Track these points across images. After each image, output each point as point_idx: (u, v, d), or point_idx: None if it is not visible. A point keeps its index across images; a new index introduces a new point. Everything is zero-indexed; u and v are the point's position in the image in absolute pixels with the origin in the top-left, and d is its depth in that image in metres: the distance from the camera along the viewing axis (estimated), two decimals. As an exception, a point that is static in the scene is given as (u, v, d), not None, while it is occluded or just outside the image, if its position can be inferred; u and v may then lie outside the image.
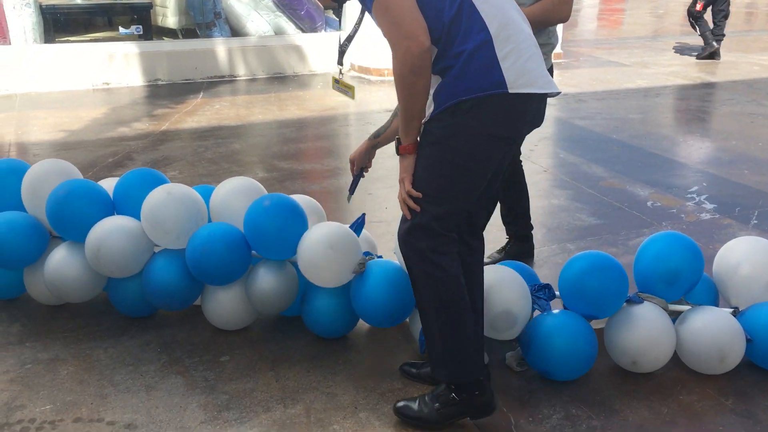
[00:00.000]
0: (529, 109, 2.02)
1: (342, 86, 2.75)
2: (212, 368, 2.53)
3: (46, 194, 2.71)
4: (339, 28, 7.91)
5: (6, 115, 5.88)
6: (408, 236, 2.07)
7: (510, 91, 1.94)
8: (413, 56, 1.89)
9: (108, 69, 6.90)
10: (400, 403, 2.26)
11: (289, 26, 7.69)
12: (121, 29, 7.55)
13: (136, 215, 2.67)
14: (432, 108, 2.01)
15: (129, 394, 2.38)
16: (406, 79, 1.92)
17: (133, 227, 2.63)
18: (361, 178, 2.64)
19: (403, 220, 2.09)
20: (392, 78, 7.08)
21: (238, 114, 6.04)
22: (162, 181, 2.78)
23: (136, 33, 7.47)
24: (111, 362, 2.56)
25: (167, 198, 2.58)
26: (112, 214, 2.74)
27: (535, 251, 3.49)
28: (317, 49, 7.69)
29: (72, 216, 2.65)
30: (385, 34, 1.95)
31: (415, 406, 2.23)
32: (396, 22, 1.90)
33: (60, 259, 2.69)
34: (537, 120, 2.11)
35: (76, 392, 2.39)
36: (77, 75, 6.80)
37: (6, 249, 2.71)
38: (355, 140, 5.51)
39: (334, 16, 8.06)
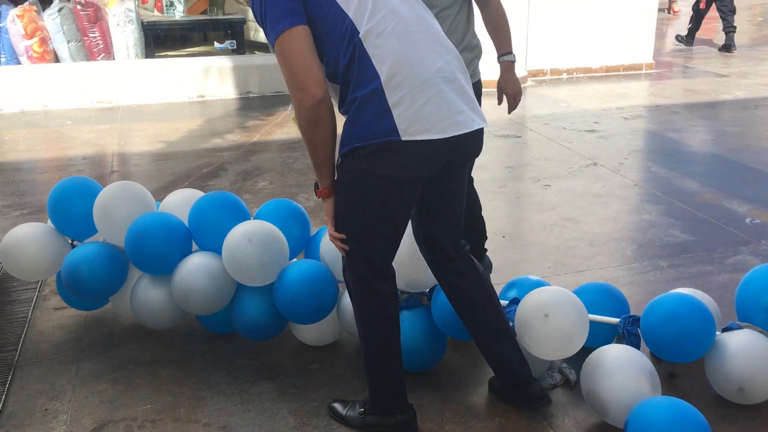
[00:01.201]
0: (437, 151, 1.96)
1: None
2: (301, 375, 2.60)
3: (118, 219, 2.69)
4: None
5: (110, 127, 6.21)
6: (344, 272, 2.20)
7: (403, 138, 1.90)
8: (306, 108, 1.90)
9: (203, 82, 7.19)
10: (333, 403, 2.39)
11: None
12: (216, 44, 7.85)
13: (214, 242, 2.61)
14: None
15: (224, 398, 2.48)
16: (303, 129, 1.95)
17: (217, 268, 2.57)
18: None
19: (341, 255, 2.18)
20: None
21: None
22: (238, 207, 2.69)
23: (230, 47, 7.75)
24: (206, 366, 2.67)
25: (248, 246, 2.48)
26: (190, 245, 2.69)
27: (627, 267, 3.42)
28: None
29: (152, 254, 2.60)
30: (285, 81, 1.96)
31: (342, 409, 2.35)
32: (290, 71, 1.90)
33: (144, 294, 2.69)
34: (462, 154, 2.06)
35: (174, 394, 2.51)
36: (175, 88, 7.11)
37: (87, 285, 2.70)
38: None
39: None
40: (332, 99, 1.98)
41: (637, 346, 2.47)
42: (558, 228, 3.92)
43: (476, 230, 3.21)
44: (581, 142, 5.51)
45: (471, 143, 2.06)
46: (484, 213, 4.07)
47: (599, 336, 2.60)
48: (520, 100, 2.95)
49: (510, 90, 2.89)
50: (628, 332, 2.49)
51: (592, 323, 2.58)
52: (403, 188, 2.01)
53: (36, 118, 6.55)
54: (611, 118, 6.24)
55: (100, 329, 2.93)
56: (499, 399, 2.44)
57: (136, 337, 2.87)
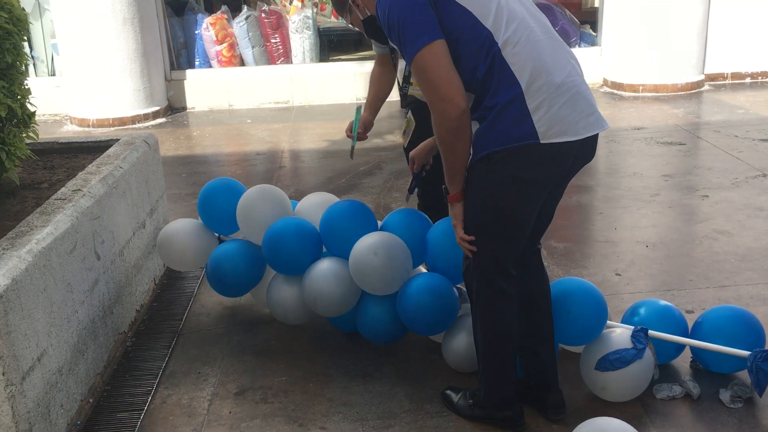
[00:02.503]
0: (569, 153, 2.07)
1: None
2: (422, 364, 2.75)
3: (258, 220, 2.92)
4: (595, 43, 7.79)
5: (283, 125, 6.73)
6: (467, 273, 2.29)
7: (542, 141, 1.99)
8: (450, 119, 1.98)
9: (371, 84, 7.54)
10: (447, 390, 2.50)
11: (542, 42, 7.75)
12: (385, 48, 8.18)
13: (343, 248, 2.74)
14: (471, 155, 2.07)
15: (348, 378, 2.70)
16: (444, 139, 2.02)
17: (345, 275, 2.70)
18: (422, 177, 2.68)
19: (465, 256, 2.24)
20: (646, 94, 6.85)
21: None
22: (367, 216, 2.80)
23: (398, 51, 8.06)
24: (337, 347, 2.91)
25: (374, 260, 2.59)
26: (321, 249, 2.85)
27: (756, 288, 3.23)
28: (569, 65, 7.66)
29: (286, 257, 2.81)
30: (423, 94, 2.04)
31: (455, 397, 2.46)
32: (432, 84, 1.98)
33: (278, 293, 2.89)
34: (583, 157, 2.16)
35: (306, 369, 2.77)
36: (344, 90, 7.54)
37: (229, 280, 3.00)
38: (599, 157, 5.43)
39: (590, 31, 7.95)
40: None
41: (765, 383, 2.36)
42: (708, 240, 3.75)
43: None
44: (753, 152, 5.17)
45: (591, 146, 2.14)
46: (631, 221, 4.01)
47: (728, 364, 2.53)
48: None
49: None
50: (757, 367, 2.37)
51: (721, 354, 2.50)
52: (536, 189, 2.12)
53: (221, 116, 7.24)
54: (793, 127, 5.78)
55: (251, 309, 3.27)
56: None
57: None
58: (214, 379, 2.75)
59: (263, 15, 7.57)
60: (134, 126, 6.87)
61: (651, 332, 2.51)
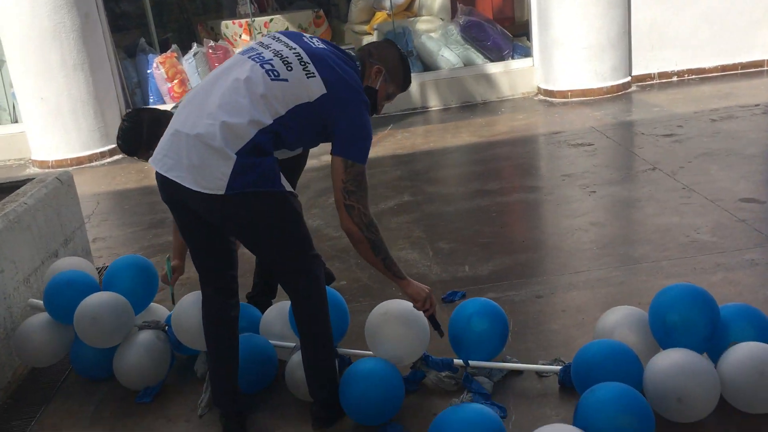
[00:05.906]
0: (159, 181, 2.44)
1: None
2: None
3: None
4: (528, 54, 8.16)
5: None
6: None
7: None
8: None
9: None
10: None
11: (478, 57, 8.13)
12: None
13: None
14: None
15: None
16: None
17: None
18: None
19: None
20: (574, 99, 7.17)
21: (413, 143, 6.63)
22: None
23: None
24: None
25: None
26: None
27: (626, 268, 3.55)
28: (505, 76, 8.04)
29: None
30: None
31: None
32: None
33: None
34: (189, 204, 2.40)
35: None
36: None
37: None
38: (522, 163, 5.78)
39: (526, 43, 8.32)
40: None
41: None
42: (580, 232, 4.09)
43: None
44: (652, 147, 5.51)
45: (189, 197, 2.36)
46: (520, 223, 4.33)
47: None
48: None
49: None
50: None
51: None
52: (169, 208, 2.54)
53: (174, 149, 7.64)
54: (698, 121, 6.11)
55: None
56: None
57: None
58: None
59: (210, 51, 8.00)
60: (91, 164, 7.28)
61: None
